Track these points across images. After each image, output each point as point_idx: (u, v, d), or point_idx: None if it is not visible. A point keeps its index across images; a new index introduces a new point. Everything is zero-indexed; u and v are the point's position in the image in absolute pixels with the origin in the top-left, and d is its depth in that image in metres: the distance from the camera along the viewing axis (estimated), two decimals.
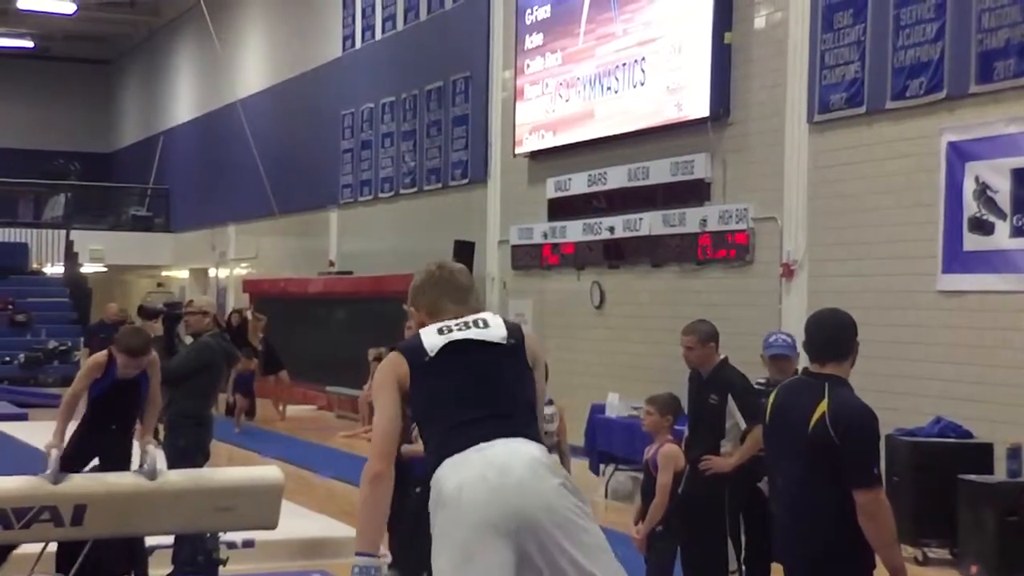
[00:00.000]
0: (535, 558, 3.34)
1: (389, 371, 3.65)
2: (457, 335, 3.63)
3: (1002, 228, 9.31)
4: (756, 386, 6.74)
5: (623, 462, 11.63)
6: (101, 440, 6.76)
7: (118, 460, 6.76)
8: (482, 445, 3.43)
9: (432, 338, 3.64)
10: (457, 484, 3.38)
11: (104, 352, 6.69)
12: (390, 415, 3.60)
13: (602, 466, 12.01)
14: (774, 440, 4.47)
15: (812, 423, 4.19)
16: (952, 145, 9.74)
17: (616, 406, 12.17)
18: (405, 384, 3.60)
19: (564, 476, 3.51)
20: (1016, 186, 9.21)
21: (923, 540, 8.73)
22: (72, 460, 6.45)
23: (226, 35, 25.51)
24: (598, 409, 12.40)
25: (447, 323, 3.67)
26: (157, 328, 8.21)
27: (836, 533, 4.17)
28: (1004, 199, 9.29)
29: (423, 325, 3.75)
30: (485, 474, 3.37)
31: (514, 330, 3.73)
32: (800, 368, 5.39)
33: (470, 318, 3.69)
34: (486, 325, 3.67)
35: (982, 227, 9.46)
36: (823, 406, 4.18)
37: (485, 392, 3.56)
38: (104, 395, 6.66)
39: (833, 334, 4.40)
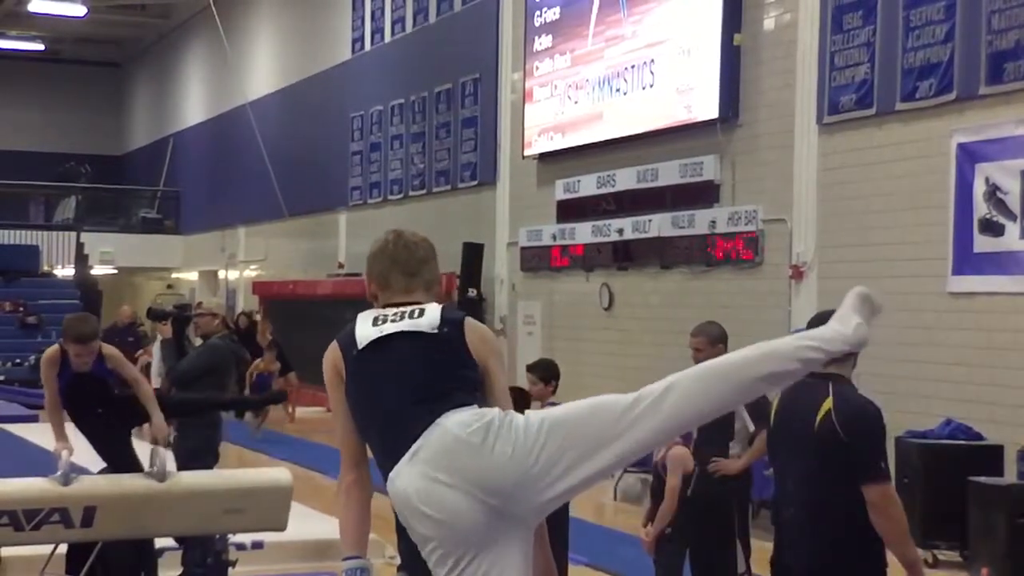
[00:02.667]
0: (518, 505, 3.16)
1: (329, 365, 3.42)
2: (388, 328, 3.36)
3: (1012, 230, 9.29)
4: None
5: (633, 464, 11.63)
6: (90, 433, 6.77)
7: (117, 458, 6.74)
8: (415, 448, 3.19)
9: (365, 328, 3.38)
10: (417, 494, 3.16)
11: (55, 347, 6.58)
12: (343, 418, 3.41)
13: None
14: (781, 443, 4.48)
15: (818, 421, 4.22)
16: (962, 147, 9.71)
17: None
18: (343, 374, 3.39)
19: (488, 419, 3.20)
20: None
21: (933, 542, 8.71)
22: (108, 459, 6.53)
23: (236, 38, 25.56)
24: None
25: (384, 312, 3.41)
26: (167, 330, 8.21)
27: (848, 532, 4.18)
28: (1014, 200, 9.27)
29: (375, 297, 3.53)
30: (436, 476, 3.15)
31: (451, 320, 3.38)
32: None
33: (407, 308, 3.40)
34: (421, 315, 3.37)
35: (992, 229, 9.43)
36: (828, 403, 4.22)
37: (411, 383, 3.27)
38: (67, 390, 6.57)
39: None
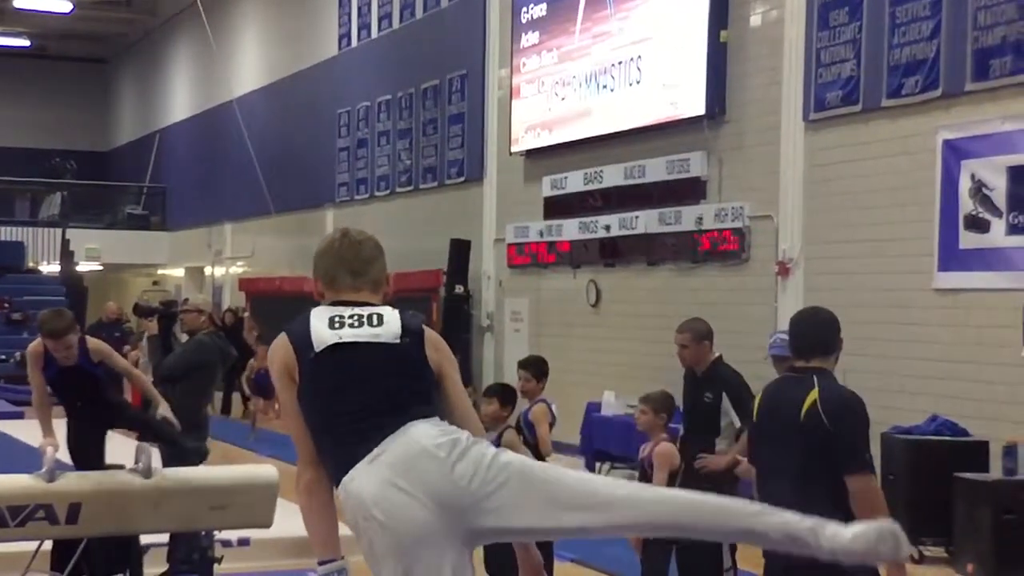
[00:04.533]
0: (463, 524, 3.15)
1: (278, 360, 3.36)
2: (347, 334, 3.31)
3: (998, 226, 9.31)
4: None
5: (619, 460, 11.65)
6: (69, 426, 6.76)
7: (82, 457, 6.72)
8: (376, 451, 3.19)
9: (322, 330, 3.32)
10: (372, 497, 3.15)
11: (38, 341, 6.55)
12: (295, 415, 3.35)
13: (598, 464, 12.03)
14: (765, 435, 4.51)
15: (803, 412, 4.27)
16: (948, 143, 9.74)
17: (612, 404, 12.19)
18: (294, 372, 3.33)
19: (456, 437, 3.22)
20: (1012, 184, 9.22)
21: (919, 538, 8.72)
22: (76, 452, 6.47)
23: (222, 33, 25.49)
24: (594, 407, 12.42)
25: (340, 312, 3.35)
26: (153, 327, 8.18)
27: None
28: (1000, 197, 9.30)
29: (321, 296, 3.48)
30: (395, 481, 3.15)
31: (411, 327, 3.38)
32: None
33: (365, 311, 3.35)
34: (380, 322, 3.34)
35: (978, 225, 9.46)
36: (813, 394, 4.27)
37: (373, 392, 3.27)
38: (54, 384, 6.57)
39: (818, 331, 4.50)
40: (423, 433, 3.21)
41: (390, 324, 3.35)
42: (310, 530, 3.31)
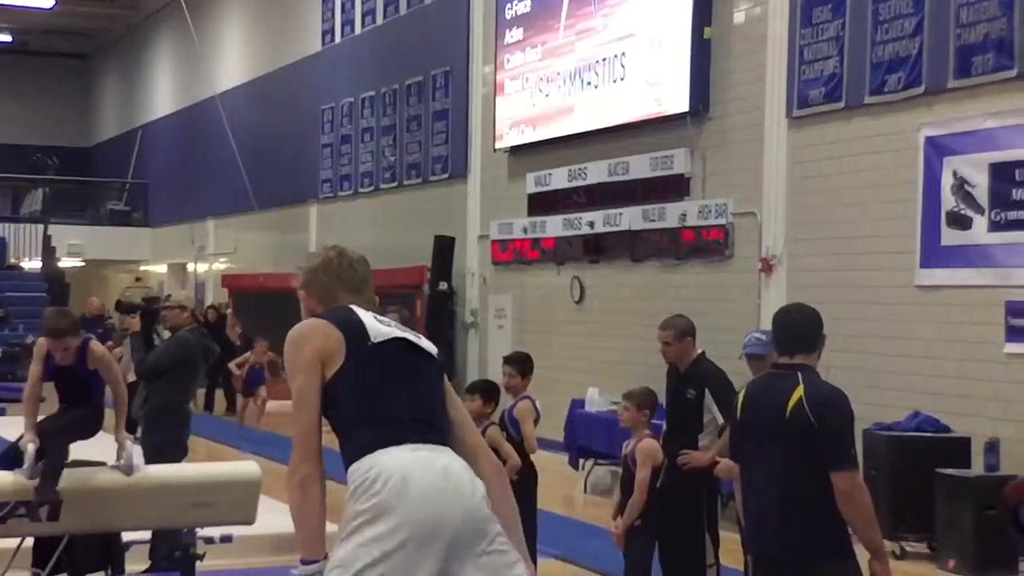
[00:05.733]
0: (452, 565, 3.16)
1: (315, 343, 3.32)
2: (398, 332, 3.40)
3: (980, 223, 9.34)
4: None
5: (603, 457, 11.65)
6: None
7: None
8: (417, 446, 3.23)
9: (374, 323, 3.37)
10: (402, 476, 3.15)
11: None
12: (313, 403, 3.29)
13: (581, 461, 12.03)
14: (749, 432, 4.51)
15: (789, 408, 4.27)
16: (930, 140, 9.77)
17: (596, 401, 12.19)
18: (331, 360, 3.30)
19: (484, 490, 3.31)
20: (994, 181, 9.25)
21: (901, 534, 8.76)
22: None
23: (205, 29, 25.42)
24: (578, 404, 12.42)
25: (373, 314, 3.43)
26: (135, 323, 8.15)
27: (816, 519, 4.24)
28: (982, 194, 9.33)
29: (313, 312, 3.49)
30: (425, 475, 3.17)
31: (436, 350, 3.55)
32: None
33: (392, 322, 3.46)
34: (416, 336, 3.47)
35: (960, 222, 9.49)
36: (799, 391, 4.28)
37: (419, 397, 3.34)
38: (50, 377, 6.55)
39: (800, 327, 4.51)
40: (460, 462, 3.27)
41: (425, 340, 3.50)
42: (299, 526, 3.27)
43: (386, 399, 3.31)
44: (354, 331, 3.35)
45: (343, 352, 3.31)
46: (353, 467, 3.24)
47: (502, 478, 3.54)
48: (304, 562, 3.24)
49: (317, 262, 3.57)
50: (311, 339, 3.35)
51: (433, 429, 3.32)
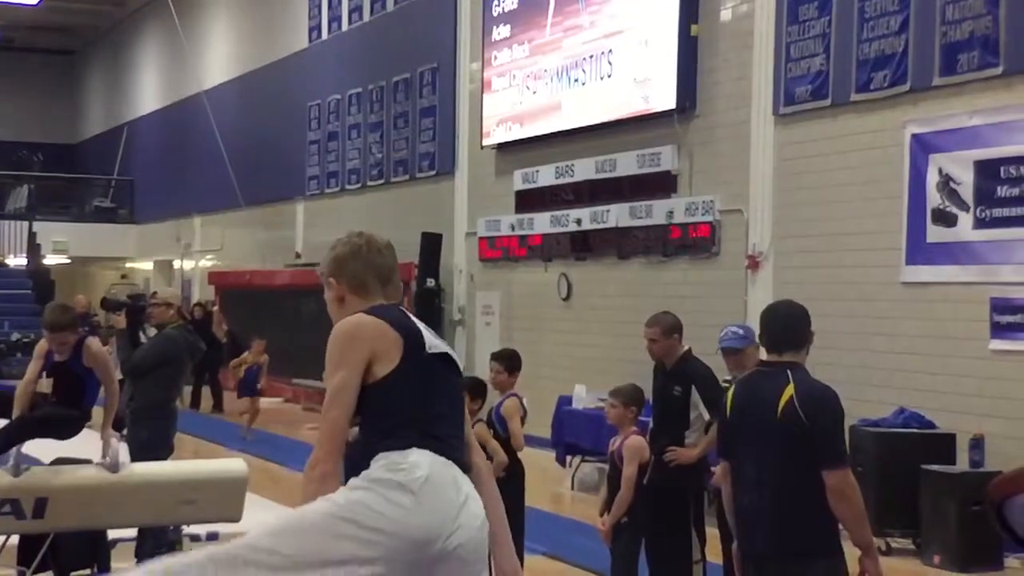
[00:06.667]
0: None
1: (367, 340, 3.24)
2: (445, 347, 3.41)
3: (965, 220, 9.38)
4: (724, 384, 6.74)
5: (590, 453, 11.65)
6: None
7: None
8: (450, 463, 3.22)
9: (429, 335, 3.36)
10: (427, 477, 3.12)
11: None
12: (350, 402, 3.22)
13: (568, 457, 12.04)
14: (739, 431, 4.50)
15: (780, 407, 4.27)
16: (916, 137, 9.80)
17: (583, 398, 12.19)
18: (383, 360, 3.23)
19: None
20: (979, 178, 9.28)
21: (886, 530, 8.78)
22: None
23: (191, 25, 25.35)
24: (565, 401, 12.42)
25: (421, 324, 3.41)
26: (121, 321, 8.14)
27: (807, 516, 4.24)
28: (967, 191, 9.36)
29: (341, 300, 3.43)
30: (446, 491, 3.16)
31: None
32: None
33: (436, 335, 3.47)
34: (451, 348, 3.49)
35: (945, 219, 9.52)
36: (789, 389, 4.28)
37: (457, 417, 3.37)
38: (48, 372, 6.57)
39: (789, 324, 4.51)
40: (477, 530, 3.23)
41: (454, 351, 3.53)
42: None
43: (434, 413, 3.28)
44: (412, 336, 3.31)
45: (399, 354, 3.26)
46: (387, 452, 3.18)
47: (490, 475, 3.55)
48: None
49: (346, 250, 3.51)
50: (366, 337, 3.28)
51: (462, 452, 3.33)
